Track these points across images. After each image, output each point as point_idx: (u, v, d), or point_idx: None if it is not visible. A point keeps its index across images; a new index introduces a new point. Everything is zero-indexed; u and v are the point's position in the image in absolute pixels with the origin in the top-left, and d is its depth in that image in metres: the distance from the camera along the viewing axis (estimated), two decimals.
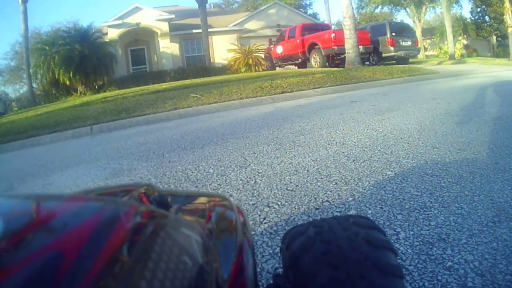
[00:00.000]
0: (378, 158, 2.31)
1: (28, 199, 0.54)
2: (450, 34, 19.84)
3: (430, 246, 1.23)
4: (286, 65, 15.00)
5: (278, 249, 1.28)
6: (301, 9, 30.99)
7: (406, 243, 1.26)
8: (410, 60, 14.44)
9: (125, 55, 18.00)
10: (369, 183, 1.88)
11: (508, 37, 19.76)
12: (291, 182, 2.00)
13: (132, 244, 0.36)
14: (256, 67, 14.90)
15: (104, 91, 13.22)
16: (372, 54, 13.33)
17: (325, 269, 0.55)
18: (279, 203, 1.73)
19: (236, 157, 2.67)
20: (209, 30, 16.55)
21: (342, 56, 11.64)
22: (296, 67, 14.30)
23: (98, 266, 0.31)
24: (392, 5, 29.42)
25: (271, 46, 15.21)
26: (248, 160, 2.54)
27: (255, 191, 1.92)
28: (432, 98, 4.81)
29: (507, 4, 18.34)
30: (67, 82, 13.96)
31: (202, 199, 0.69)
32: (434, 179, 1.85)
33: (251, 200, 1.81)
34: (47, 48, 14.48)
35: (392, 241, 1.26)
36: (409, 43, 13.77)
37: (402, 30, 14.09)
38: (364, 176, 1.99)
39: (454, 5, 26.11)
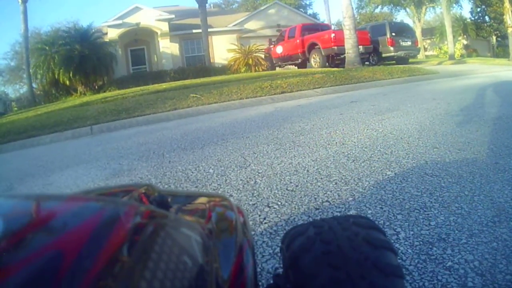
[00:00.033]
0: (378, 158, 2.31)
1: (28, 199, 0.54)
2: (450, 34, 19.84)
3: (430, 246, 1.23)
4: (286, 65, 14.99)
5: (278, 249, 1.28)
6: (301, 9, 30.99)
7: (406, 243, 1.26)
8: (410, 60, 14.45)
9: (125, 55, 18.00)
10: (369, 183, 1.88)
11: (508, 37, 19.76)
12: (291, 182, 2.00)
13: (132, 244, 0.36)
14: (256, 67, 14.91)
15: (104, 91, 13.22)
16: (372, 54, 13.33)
17: (325, 269, 0.55)
18: (279, 203, 1.73)
19: (236, 157, 2.67)
20: (209, 30, 16.55)
21: (342, 56, 11.64)
22: (296, 67, 14.31)
23: (98, 266, 0.31)
24: (392, 5, 29.42)
25: (271, 46, 15.21)
26: (248, 160, 2.54)
27: (255, 191, 1.92)
28: (432, 98, 4.81)
29: (507, 4, 18.35)
30: (67, 82, 13.96)
31: (202, 199, 0.69)
32: (434, 179, 1.85)
33: (251, 200, 1.81)
34: (47, 48, 14.49)
35: (392, 241, 1.26)
36: (409, 43, 13.77)
37: (402, 30, 14.10)
38: (364, 176, 1.99)
39: (454, 5, 26.13)
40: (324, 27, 15.08)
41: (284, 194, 1.84)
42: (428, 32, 29.66)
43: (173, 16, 17.54)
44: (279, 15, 20.00)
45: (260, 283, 1.00)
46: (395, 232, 1.34)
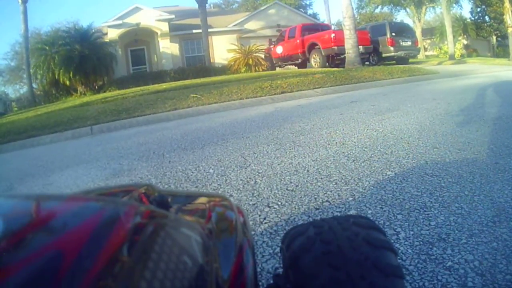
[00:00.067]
0: (378, 158, 2.31)
1: (28, 199, 0.54)
2: (450, 34, 19.85)
3: (430, 246, 1.23)
4: (286, 65, 15.00)
5: (278, 249, 1.28)
6: (301, 9, 30.99)
7: (406, 243, 1.26)
8: (410, 60, 14.45)
9: (125, 55, 18.01)
10: (369, 183, 1.88)
11: (508, 37, 19.76)
12: (291, 182, 2.00)
13: (132, 244, 0.36)
14: (256, 67, 14.91)
15: (104, 91, 13.22)
16: (372, 54, 13.33)
17: (325, 269, 0.55)
18: (279, 203, 1.73)
19: (236, 157, 2.67)
20: (209, 30, 16.55)
21: (342, 56, 11.64)
22: (296, 67, 14.31)
23: (98, 266, 0.31)
24: (392, 5, 29.42)
25: (271, 46, 15.21)
26: (248, 160, 2.54)
27: (255, 191, 1.92)
28: (432, 98, 4.81)
29: (507, 4, 18.35)
30: (67, 82, 13.97)
31: (202, 199, 0.69)
32: (434, 179, 1.85)
33: (251, 200, 1.81)
34: (47, 48, 14.49)
35: (392, 241, 1.26)
36: (409, 43, 13.77)
37: (402, 30, 14.10)
38: (364, 176, 1.99)
39: (454, 5, 26.12)
40: (324, 27, 15.09)
41: (284, 194, 1.84)
42: (428, 32, 29.66)
43: (173, 16, 17.55)
44: (279, 15, 20.00)
45: (260, 283, 1.00)
46: (395, 232, 1.34)
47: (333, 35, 11.99)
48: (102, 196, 0.62)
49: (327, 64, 12.33)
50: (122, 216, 0.42)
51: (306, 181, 2.00)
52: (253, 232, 1.42)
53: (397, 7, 29.62)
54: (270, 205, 1.72)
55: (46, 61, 14.18)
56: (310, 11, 35.82)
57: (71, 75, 13.75)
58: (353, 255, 0.56)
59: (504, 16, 19.27)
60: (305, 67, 13.48)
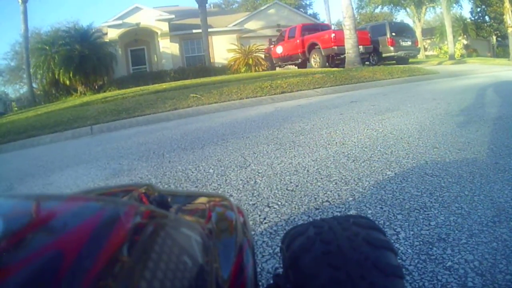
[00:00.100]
0: (378, 158, 2.31)
1: (28, 199, 0.54)
2: (450, 34, 19.85)
3: (430, 246, 1.23)
4: (286, 65, 15.00)
5: (278, 249, 1.28)
6: (301, 9, 31.01)
7: (406, 243, 1.26)
8: (410, 60, 14.45)
9: (125, 55, 18.01)
10: (369, 183, 1.88)
11: (508, 37, 19.76)
12: (291, 182, 2.00)
13: (132, 244, 0.36)
14: (256, 67, 14.91)
15: (104, 91, 13.22)
16: (372, 54, 13.34)
17: (325, 269, 0.55)
18: (279, 203, 1.73)
19: (236, 157, 2.67)
20: (209, 30, 16.55)
21: (342, 56, 11.64)
22: (296, 67, 14.31)
23: (98, 266, 0.31)
24: (392, 5, 29.41)
25: (271, 46, 15.21)
26: (248, 160, 2.54)
27: (255, 191, 1.92)
28: (432, 98, 4.81)
29: (507, 4, 18.35)
30: (67, 82, 13.97)
31: (202, 199, 0.69)
32: (434, 179, 1.85)
33: (251, 200, 1.81)
34: (47, 48, 14.50)
35: (392, 241, 1.26)
36: (409, 43, 13.77)
37: (402, 30, 14.10)
38: (364, 176, 1.99)
39: (454, 5, 26.11)
40: (324, 27, 15.09)
41: (284, 194, 1.84)
42: (428, 32, 29.66)
43: (173, 16, 17.55)
44: (279, 15, 20.00)
45: (260, 283, 1.00)
46: (395, 232, 1.34)
47: (333, 35, 12.00)
48: (102, 196, 0.62)
49: (327, 64, 12.33)
50: (122, 216, 0.42)
51: (306, 181, 2.00)
52: (253, 232, 1.42)
53: (397, 7, 29.61)
54: (270, 205, 1.72)
55: (46, 61, 14.19)
56: (310, 11, 35.86)
57: (71, 75, 13.76)
58: (353, 255, 0.56)
59: (504, 16, 19.27)
60: (305, 67, 13.48)
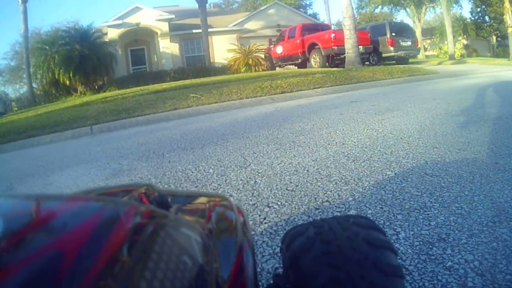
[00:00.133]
0: (378, 158, 2.31)
1: (28, 199, 0.54)
2: (450, 34, 19.85)
3: (430, 246, 1.23)
4: (286, 65, 15.00)
5: (278, 249, 1.28)
6: (301, 9, 31.00)
7: (406, 243, 1.26)
8: (410, 60, 14.45)
9: (125, 55, 18.00)
10: (369, 183, 1.88)
11: (508, 37, 19.77)
12: (291, 182, 2.00)
13: (132, 244, 0.36)
14: (256, 67, 14.91)
15: (104, 91, 13.22)
16: (372, 54, 13.34)
17: (325, 269, 0.55)
18: (279, 203, 1.73)
19: (236, 157, 2.67)
20: (209, 30, 16.55)
21: (342, 56, 11.64)
22: (296, 67, 14.31)
23: (98, 266, 0.31)
24: (392, 5, 29.41)
25: (271, 46, 15.21)
26: (248, 160, 2.54)
27: (255, 191, 1.92)
28: (432, 98, 4.81)
29: (507, 4, 18.35)
30: (67, 82, 13.97)
31: (202, 199, 0.69)
32: (434, 179, 1.85)
33: (251, 200, 1.81)
34: (47, 48, 14.50)
35: (392, 241, 1.26)
36: (409, 43, 13.78)
37: (402, 30, 14.10)
38: (364, 176, 1.99)
39: (454, 5, 26.11)
40: (324, 27, 15.09)
41: (284, 194, 1.84)
42: (428, 32, 29.66)
43: (173, 16, 17.54)
44: (279, 15, 20.00)
45: (260, 283, 1.00)
46: (395, 232, 1.34)
47: (333, 35, 12.00)
48: (102, 196, 0.62)
49: (327, 64, 12.33)
50: (122, 216, 0.42)
51: (306, 181, 2.00)
52: (253, 232, 1.42)
53: (397, 7, 29.61)
54: (270, 205, 1.72)
55: (46, 61, 14.19)
56: (310, 11, 35.85)
57: (71, 75, 13.76)
58: (353, 255, 0.56)
59: (504, 16, 19.28)
60: (305, 67, 13.48)
